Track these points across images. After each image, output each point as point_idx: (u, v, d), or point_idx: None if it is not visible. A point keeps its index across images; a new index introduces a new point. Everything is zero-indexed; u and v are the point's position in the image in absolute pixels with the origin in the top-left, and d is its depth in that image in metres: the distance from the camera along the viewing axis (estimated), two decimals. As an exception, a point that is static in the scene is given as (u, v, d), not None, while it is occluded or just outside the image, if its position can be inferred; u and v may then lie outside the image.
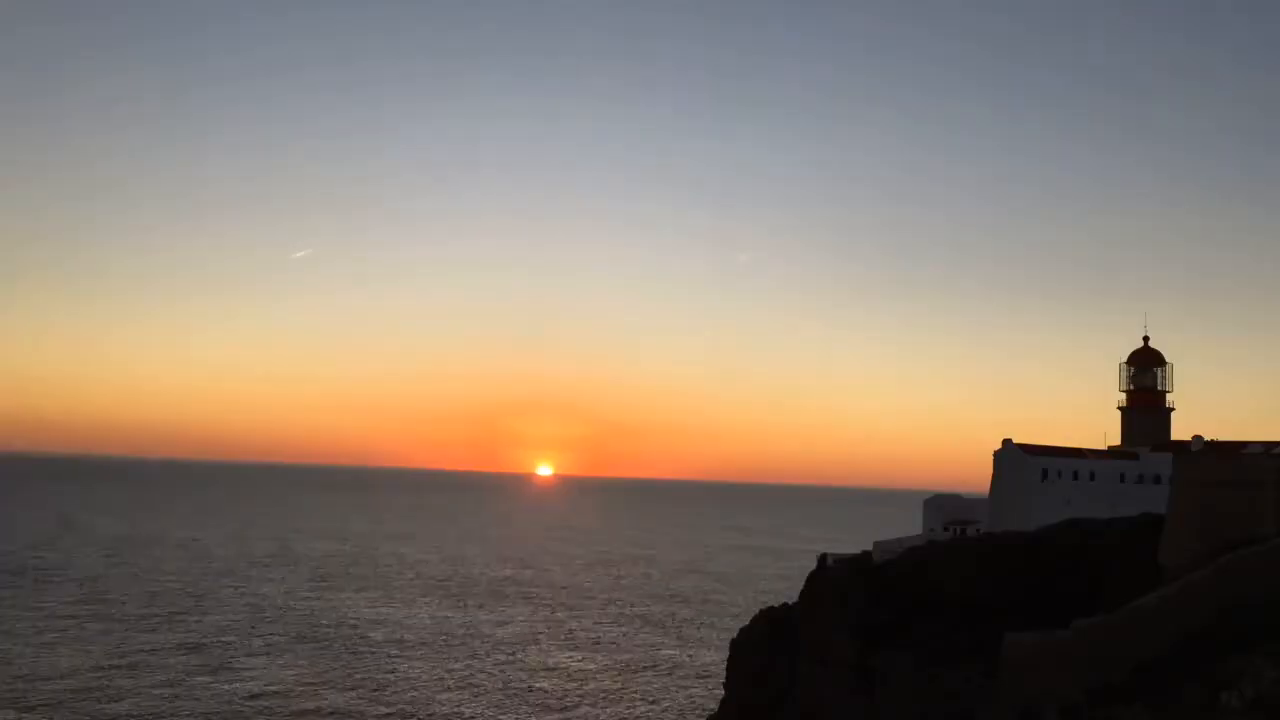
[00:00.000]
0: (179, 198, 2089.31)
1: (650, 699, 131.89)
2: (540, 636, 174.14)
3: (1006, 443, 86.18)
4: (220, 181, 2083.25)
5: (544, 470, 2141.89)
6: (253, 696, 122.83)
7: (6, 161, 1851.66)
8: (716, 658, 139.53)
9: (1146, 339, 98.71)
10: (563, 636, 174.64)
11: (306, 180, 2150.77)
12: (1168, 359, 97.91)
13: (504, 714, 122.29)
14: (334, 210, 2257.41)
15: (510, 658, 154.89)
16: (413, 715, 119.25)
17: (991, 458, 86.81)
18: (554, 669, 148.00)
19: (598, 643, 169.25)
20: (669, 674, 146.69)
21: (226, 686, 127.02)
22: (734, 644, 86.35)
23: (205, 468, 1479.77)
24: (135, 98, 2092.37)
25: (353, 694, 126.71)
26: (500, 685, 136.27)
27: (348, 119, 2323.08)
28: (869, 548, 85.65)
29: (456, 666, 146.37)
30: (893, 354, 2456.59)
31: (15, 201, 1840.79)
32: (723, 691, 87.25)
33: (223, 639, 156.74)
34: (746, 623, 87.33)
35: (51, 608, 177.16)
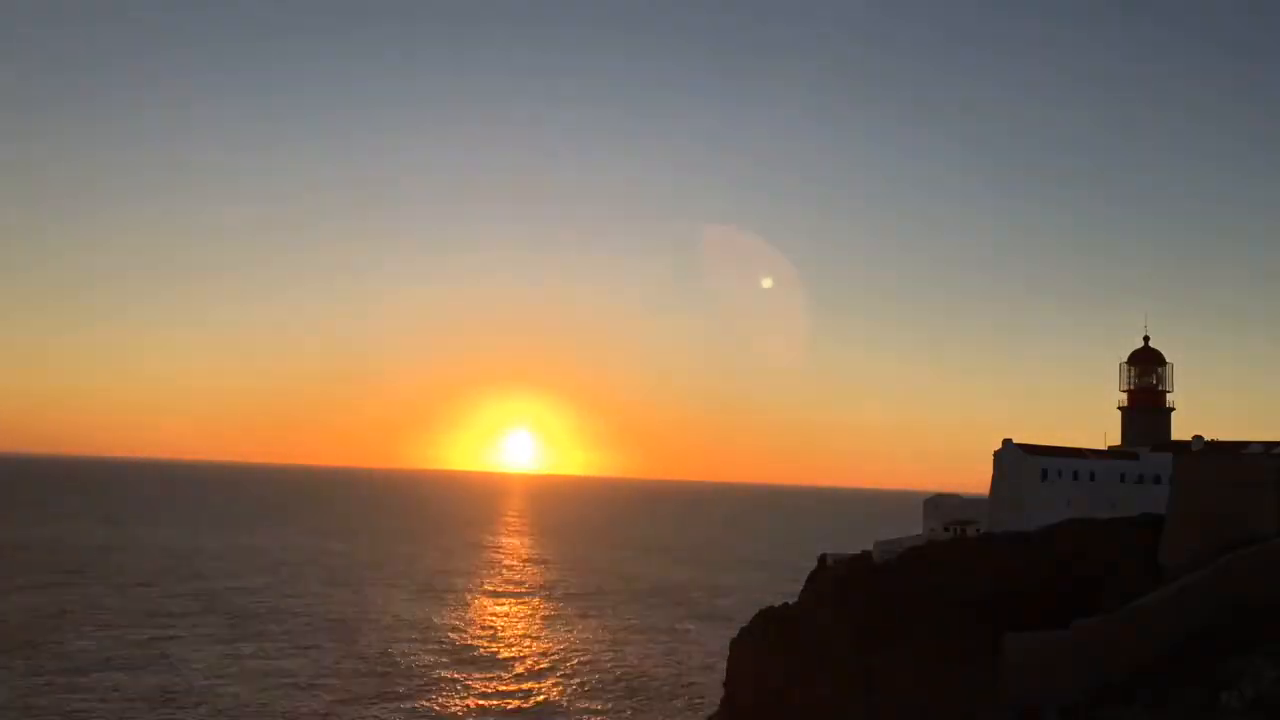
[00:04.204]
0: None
1: (650, 699, 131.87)
2: (535, 636, 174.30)
3: (1006, 443, 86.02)
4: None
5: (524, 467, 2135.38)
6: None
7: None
8: (716, 658, 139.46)
9: (1146, 339, 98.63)
10: (561, 637, 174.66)
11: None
12: (1168, 359, 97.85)
13: (503, 714, 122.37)
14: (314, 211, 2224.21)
15: (506, 658, 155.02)
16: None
17: (991, 458, 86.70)
18: (552, 670, 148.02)
19: (597, 643, 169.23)
20: (669, 674, 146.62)
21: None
22: (734, 644, 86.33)
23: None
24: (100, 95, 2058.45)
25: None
26: (498, 687, 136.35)
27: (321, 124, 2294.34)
28: (869, 548, 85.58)
29: (438, 662, 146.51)
30: (892, 354, 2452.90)
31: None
32: (723, 691, 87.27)
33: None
34: (746, 623, 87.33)
35: None
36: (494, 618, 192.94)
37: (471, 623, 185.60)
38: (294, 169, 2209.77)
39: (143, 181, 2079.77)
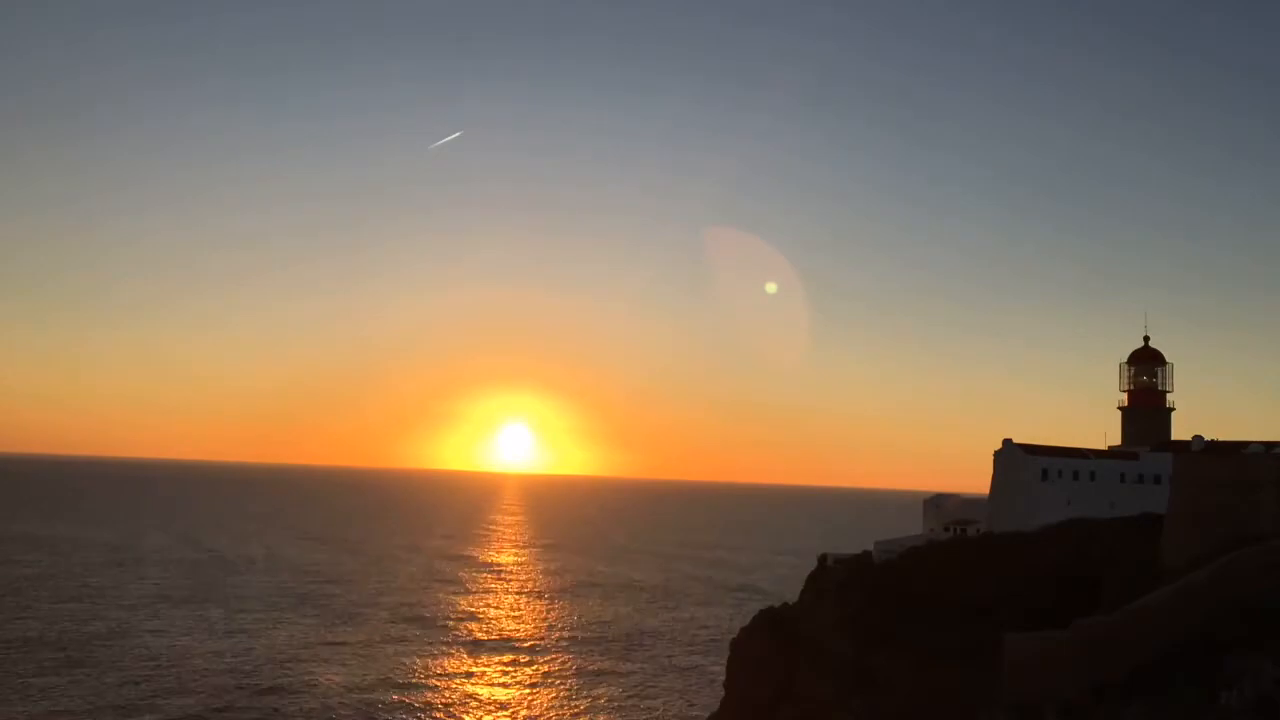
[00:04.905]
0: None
1: (650, 699, 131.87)
2: (535, 635, 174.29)
3: (1006, 443, 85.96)
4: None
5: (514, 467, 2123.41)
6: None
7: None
8: (716, 658, 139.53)
9: (1147, 339, 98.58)
10: (559, 637, 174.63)
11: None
12: (1168, 359, 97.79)
13: (504, 714, 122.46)
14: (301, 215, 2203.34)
15: (507, 658, 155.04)
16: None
17: (991, 458, 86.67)
18: (551, 670, 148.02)
19: (596, 643, 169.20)
20: (669, 674, 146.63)
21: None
22: (734, 644, 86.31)
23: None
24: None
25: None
26: (497, 685, 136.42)
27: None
28: (869, 548, 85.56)
29: (438, 665, 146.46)
30: (892, 354, 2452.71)
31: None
32: (723, 691, 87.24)
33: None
34: (746, 623, 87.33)
35: None
36: (485, 609, 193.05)
37: (461, 621, 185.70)
38: (290, 174, 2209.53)
39: (145, 189, 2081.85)
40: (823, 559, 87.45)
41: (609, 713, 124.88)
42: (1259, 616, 49.20)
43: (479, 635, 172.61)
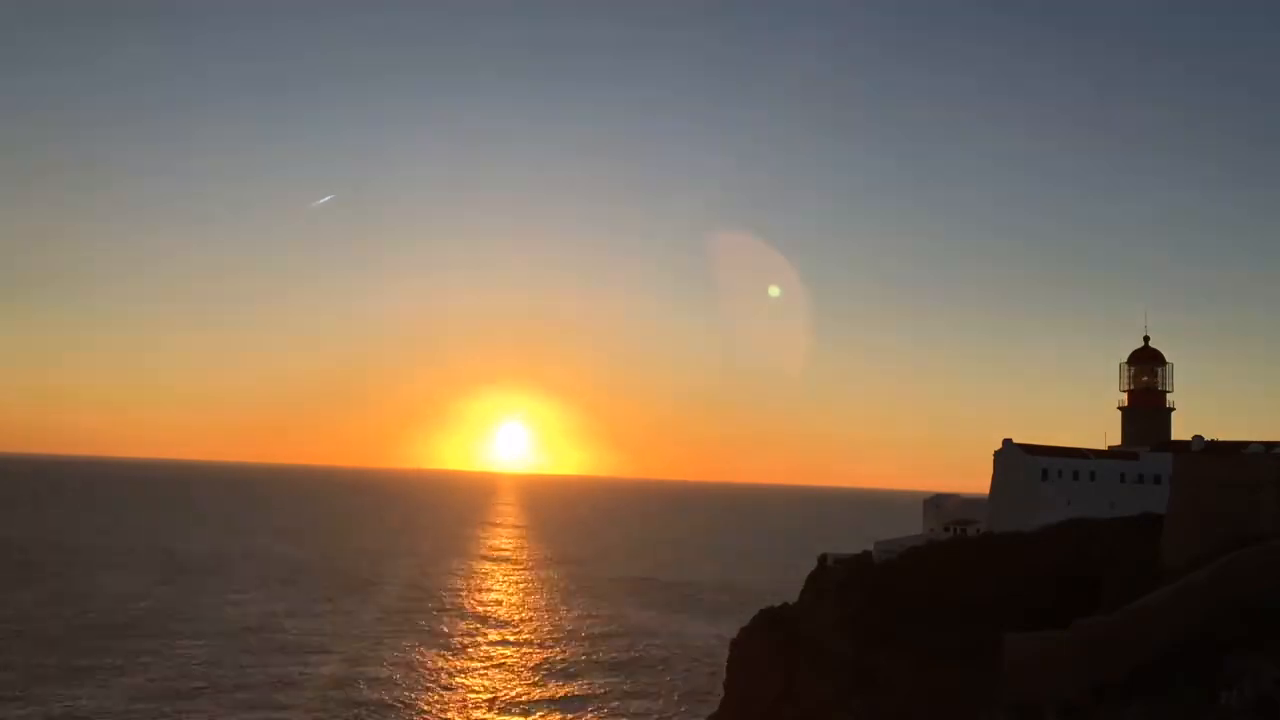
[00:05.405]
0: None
1: (649, 699, 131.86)
2: (531, 634, 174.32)
3: (1006, 443, 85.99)
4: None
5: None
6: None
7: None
8: (716, 658, 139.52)
9: (1147, 339, 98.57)
10: (555, 636, 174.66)
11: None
12: (1168, 359, 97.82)
13: (503, 713, 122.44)
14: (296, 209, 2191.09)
15: (507, 657, 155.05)
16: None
17: (991, 458, 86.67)
18: (551, 669, 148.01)
19: (592, 642, 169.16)
20: (668, 674, 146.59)
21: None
22: (734, 644, 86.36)
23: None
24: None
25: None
26: (495, 683, 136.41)
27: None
28: (869, 548, 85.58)
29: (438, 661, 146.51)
30: (892, 354, 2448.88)
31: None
32: (723, 691, 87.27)
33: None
34: (746, 623, 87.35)
35: None
36: (479, 609, 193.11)
37: (457, 622, 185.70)
38: (290, 174, 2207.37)
39: (144, 189, 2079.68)
40: (823, 559, 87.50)
41: (607, 712, 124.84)
42: (1259, 616, 49.26)
43: (472, 635, 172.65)
